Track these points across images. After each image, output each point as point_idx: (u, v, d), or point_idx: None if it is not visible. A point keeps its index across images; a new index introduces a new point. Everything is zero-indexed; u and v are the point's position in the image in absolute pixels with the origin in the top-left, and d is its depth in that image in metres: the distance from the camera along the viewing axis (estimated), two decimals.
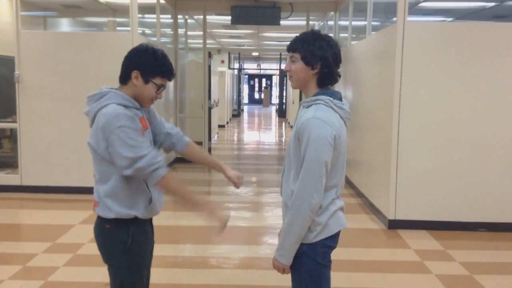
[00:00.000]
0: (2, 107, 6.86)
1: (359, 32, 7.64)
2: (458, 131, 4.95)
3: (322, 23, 11.16)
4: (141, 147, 1.95)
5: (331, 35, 9.39)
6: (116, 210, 2.03)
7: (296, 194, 1.93)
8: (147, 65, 2.04)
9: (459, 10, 9.25)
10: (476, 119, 4.93)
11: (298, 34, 2.06)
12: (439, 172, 5.00)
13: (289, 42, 2.06)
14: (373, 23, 6.39)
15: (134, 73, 2.04)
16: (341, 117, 2.01)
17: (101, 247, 2.14)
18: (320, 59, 1.98)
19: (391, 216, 5.07)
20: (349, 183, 7.12)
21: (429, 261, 4.23)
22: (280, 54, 19.83)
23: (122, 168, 1.96)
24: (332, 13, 9.25)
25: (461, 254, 4.41)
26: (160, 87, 2.09)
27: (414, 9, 8.42)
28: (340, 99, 2.03)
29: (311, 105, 2.00)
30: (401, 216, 5.05)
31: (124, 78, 2.08)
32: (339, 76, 2.07)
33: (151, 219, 2.26)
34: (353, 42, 7.50)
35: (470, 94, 4.91)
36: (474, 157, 4.96)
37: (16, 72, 6.15)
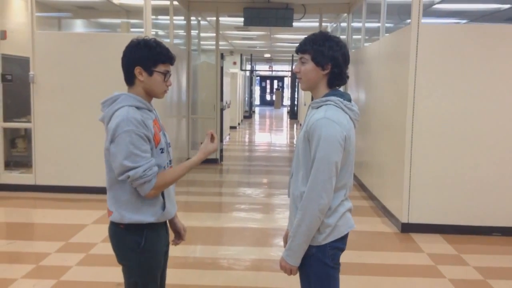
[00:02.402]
0: (17, 107, 6.94)
1: (372, 33, 7.60)
2: (473, 133, 4.90)
3: (335, 25, 11.13)
4: (141, 157, 1.95)
5: (343, 37, 9.41)
6: (130, 217, 2.04)
7: (306, 195, 1.93)
8: (145, 57, 2.03)
9: (473, 12, 9.17)
10: (491, 121, 4.87)
11: (306, 36, 2.06)
12: (453, 175, 4.94)
13: (298, 44, 2.06)
14: (386, 24, 6.35)
15: (137, 70, 2.04)
16: (350, 118, 2.01)
17: (115, 246, 2.14)
18: (330, 60, 1.98)
19: (404, 219, 5.03)
20: (361, 185, 7.08)
21: (443, 265, 4.19)
22: (292, 56, 19.81)
23: (116, 173, 1.98)
24: (345, 14, 9.22)
25: (475, 259, 4.36)
26: (165, 74, 2.08)
27: (428, 11, 8.36)
28: (349, 100, 2.03)
29: (321, 105, 2.00)
30: (414, 219, 5.01)
31: (129, 79, 2.09)
32: (348, 77, 2.07)
33: (165, 221, 2.26)
34: (366, 44, 7.47)
35: (485, 96, 4.86)
36: (488, 160, 4.90)
37: (31, 72, 6.22)
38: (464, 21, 9.89)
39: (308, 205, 1.92)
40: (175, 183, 2.11)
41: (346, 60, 2.03)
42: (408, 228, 5.03)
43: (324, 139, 1.89)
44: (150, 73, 2.05)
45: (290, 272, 2.04)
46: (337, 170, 1.93)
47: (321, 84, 2.04)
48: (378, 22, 6.44)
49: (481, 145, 4.90)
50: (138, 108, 2.02)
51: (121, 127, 1.94)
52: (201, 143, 2.19)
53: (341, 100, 1.99)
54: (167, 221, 2.30)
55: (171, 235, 2.37)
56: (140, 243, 2.06)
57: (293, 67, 2.11)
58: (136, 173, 1.94)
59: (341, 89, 2.11)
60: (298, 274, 2.09)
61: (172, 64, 2.12)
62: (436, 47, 4.85)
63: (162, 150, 2.10)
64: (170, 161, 2.21)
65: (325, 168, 1.89)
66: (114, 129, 1.95)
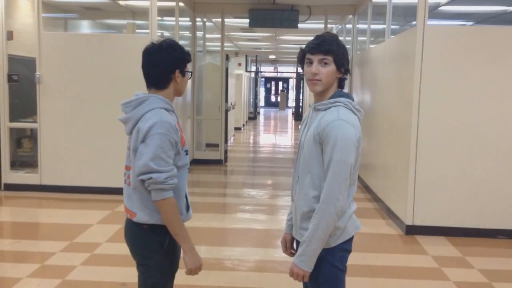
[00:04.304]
0: (23, 107, 6.97)
1: (378, 35, 7.59)
2: (478, 135, 4.88)
3: (340, 26, 11.12)
4: (166, 162, 1.98)
5: (349, 38, 9.38)
6: (157, 216, 2.04)
7: (324, 198, 1.91)
8: (181, 59, 2.09)
9: (479, 14, 9.14)
10: (496, 123, 4.85)
11: (319, 35, 1.99)
12: (458, 177, 4.93)
13: (317, 43, 1.96)
14: (392, 26, 6.34)
15: (177, 73, 2.08)
16: (358, 118, 2.01)
17: (136, 247, 2.13)
18: (347, 62, 2.00)
19: (408, 222, 5.01)
20: (365, 187, 7.07)
21: (447, 267, 4.18)
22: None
23: (138, 172, 1.98)
24: (351, 16, 9.21)
25: (480, 261, 4.34)
26: (190, 73, 2.15)
27: (433, 13, 8.34)
28: (353, 101, 2.03)
29: (329, 107, 1.98)
30: (419, 221, 4.99)
31: (164, 83, 2.09)
32: None
33: None
34: (371, 46, 7.46)
35: (490, 98, 4.84)
36: (494, 162, 4.88)
37: (37, 72, 6.25)
38: (470, 23, 9.86)
39: (326, 208, 1.90)
40: (173, 220, 2.03)
41: None
42: (412, 230, 5.01)
43: (341, 141, 1.87)
44: (184, 74, 2.11)
45: (302, 278, 2.00)
46: (351, 171, 1.92)
47: (333, 87, 2.02)
48: (384, 23, 6.44)
49: (486, 147, 4.88)
50: (167, 110, 2.05)
51: (155, 129, 1.96)
52: None
53: (350, 101, 1.98)
54: None
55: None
56: (163, 244, 2.08)
57: (312, 68, 1.96)
58: (159, 177, 1.95)
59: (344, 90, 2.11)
60: None
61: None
62: (441, 49, 4.83)
63: (186, 152, 2.14)
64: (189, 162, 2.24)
65: (342, 171, 1.88)
66: (147, 130, 1.97)
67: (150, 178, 1.95)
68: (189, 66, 2.16)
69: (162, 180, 1.95)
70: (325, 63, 1.95)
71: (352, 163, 1.90)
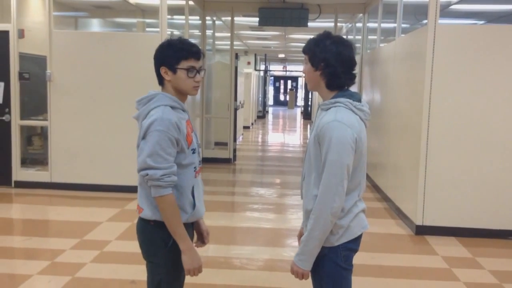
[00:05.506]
0: (34, 105, 7.02)
1: (388, 34, 7.55)
2: (489, 135, 4.84)
3: (350, 25, 11.08)
4: (164, 159, 1.98)
5: (359, 37, 9.32)
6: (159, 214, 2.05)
7: (319, 199, 1.91)
8: (167, 56, 2.07)
9: (491, 13, 9.06)
10: (508, 123, 4.81)
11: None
12: (469, 177, 4.89)
13: None
14: (402, 25, 6.30)
15: (163, 70, 2.08)
16: (361, 118, 1.99)
17: (143, 243, 2.15)
18: (322, 60, 1.97)
19: (418, 222, 4.99)
20: (375, 187, 7.04)
21: (457, 268, 4.15)
22: None
23: (138, 168, 2.01)
24: (361, 15, 9.17)
25: (490, 262, 4.30)
26: (189, 70, 2.07)
27: (445, 12, 8.27)
28: (359, 100, 2.00)
29: (330, 107, 1.98)
30: (429, 221, 4.96)
31: (160, 80, 2.13)
32: (351, 78, 2.01)
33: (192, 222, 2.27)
34: (381, 45, 7.42)
35: (502, 97, 4.80)
36: (505, 162, 4.84)
37: (48, 71, 6.30)
38: (482, 22, 9.78)
39: (321, 209, 1.90)
40: (170, 212, 2.01)
41: (342, 60, 1.95)
42: (422, 231, 4.99)
43: (335, 142, 1.87)
44: (174, 71, 2.07)
45: (302, 276, 2.02)
46: (348, 172, 1.91)
47: (321, 85, 2.03)
48: (394, 22, 6.40)
49: (497, 147, 4.84)
50: (173, 108, 2.05)
51: (154, 125, 1.97)
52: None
53: (351, 101, 1.96)
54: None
55: (194, 237, 2.37)
56: (168, 242, 2.07)
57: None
58: (155, 174, 1.96)
59: (352, 89, 2.09)
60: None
61: (197, 58, 2.11)
62: (453, 48, 4.80)
63: (193, 151, 2.14)
64: (200, 161, 2.23)
65: (337, 172, 1.88)
66: (147, 127, 1.98)
67: (147, 175, 1.97)
68: (186, 63, 2.06)
69: (158, 177, 1.96)
70: (305, 63, 2.06)
71: (348, 164, 1.89)
